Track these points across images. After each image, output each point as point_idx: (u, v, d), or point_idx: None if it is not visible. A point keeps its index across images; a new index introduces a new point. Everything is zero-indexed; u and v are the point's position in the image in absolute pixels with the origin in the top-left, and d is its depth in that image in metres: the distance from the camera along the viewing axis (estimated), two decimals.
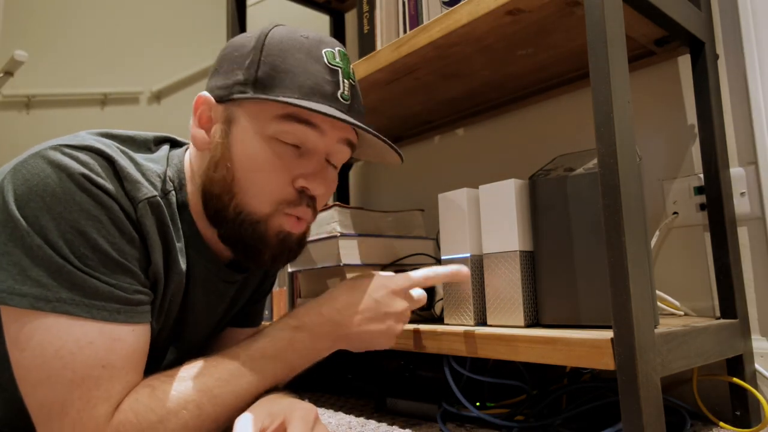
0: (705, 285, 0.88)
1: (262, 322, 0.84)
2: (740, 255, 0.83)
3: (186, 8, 2.55)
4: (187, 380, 0.55)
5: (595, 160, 0.67)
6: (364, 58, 1.00)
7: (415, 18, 0.99)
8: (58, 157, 0.52)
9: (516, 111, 1.18)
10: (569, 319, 0.70)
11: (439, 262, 0.87)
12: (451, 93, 1.11)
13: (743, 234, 0.85)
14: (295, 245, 0.64)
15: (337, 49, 0.62)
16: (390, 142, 0.63)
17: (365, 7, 1.10)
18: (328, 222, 1.00)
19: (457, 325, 0.79)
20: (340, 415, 0.93)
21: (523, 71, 1.01)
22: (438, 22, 0.85)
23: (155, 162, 0.61)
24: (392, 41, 0.95)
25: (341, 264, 0.96)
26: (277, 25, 0.62)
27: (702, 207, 0.89)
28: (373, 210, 1.06)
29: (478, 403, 0.86)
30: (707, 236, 0.88)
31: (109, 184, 0.53)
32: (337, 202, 1.02)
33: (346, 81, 0.61)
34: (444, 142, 1.36)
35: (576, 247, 0.70)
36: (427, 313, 0.94)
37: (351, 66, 0.63)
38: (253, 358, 0.59)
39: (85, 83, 2.52)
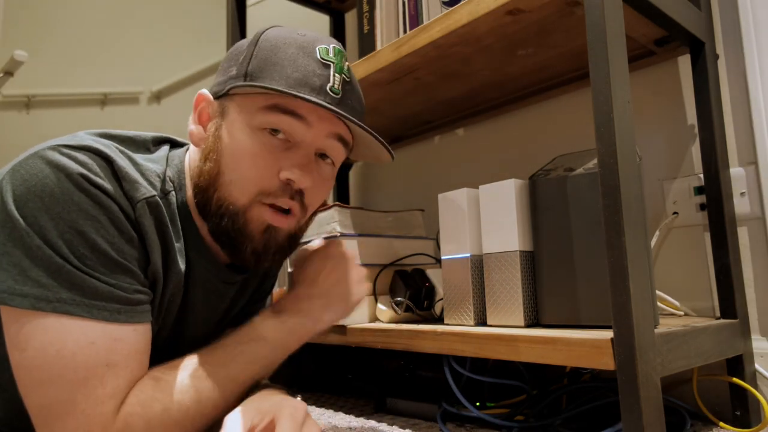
0: (705, 285, 0.88)
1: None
2: (740, 255, 0.83)
3: (186, 8, 2.55)
4: (186, 369, 0.57)
5: (595, 160, 0.67)
6: (364, 58, 1.00)
7: (415, 18, 0.99)
8: (57, 157, 0.52)
9: (516, 111, 1.18)
10: (569, 319, 0.70)
11: (439, 262, 0.87)
12: (451, 93, 1.11)
13: (743, 234, 0.85)
14: (283, 241, 0.62)
15: (332, 45, 0.61)
16: (379, 137, 0.61)
17: (365, 7, 1.10)
18: (328, 222, 1.00)
19: (457, 325, 0.79)
20: (340, 415, 0.93)
21: (523, 71, 1.01)
22: (438, 22, 0.85)
23: (155, 162, 0.61)
24: (392, 41, 0.95)
25: None
26: (276, 25, 0.62)
27: (702, 207, 0.89)
28: (373, 210, 1.06)
29: (478, 403, 0.86)
30: (707, 236, 0.88)
31: (107, 184, 0.53)
32: (337, 202, 1.02)
33: (337, 75, 0.60)
34: (444, 142, 1.36)
35: (576, 247, 0.70)
36: (427, 313, 0.94)
37: (347, 63, 0.62)
38: (243, 342, 0.61)
39: (85, 83, 2.52)
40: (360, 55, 1.07)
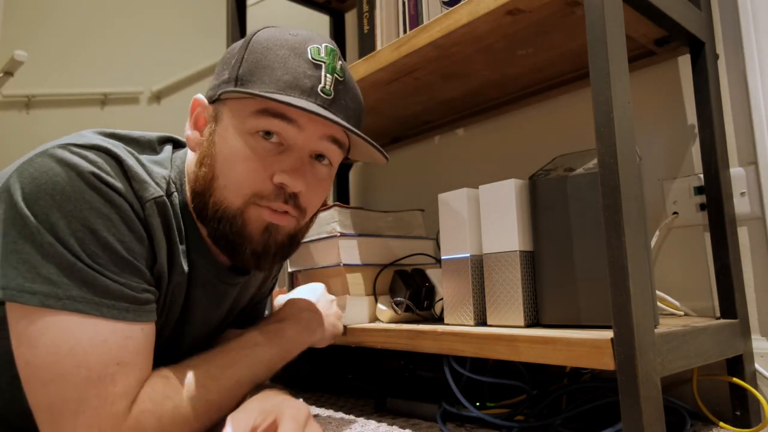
0: (705, 285, 0.88)
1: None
2: (740, 255, 0.83)
3: (186, 8, 2.55)
4: (194, 369, 0.58)
5: (595, 160, 0.67)
6: (364, 58, 1.00)
7: (415, 18, 0.99)
8: (67, 155, 0.52)
9: (516, 111, 1.18)
10: (569, 319, 0.70)
11: (439, 262, 0.87)
12: (451, 93, 1.11)
13: (743, 234, 0.85)
14: (283, 241, 0.62)
15: (324, 45, 0.60)
16: (369, 139, 0.60)
17: (365, 7, 1.10)
18: (328, 222, 1.00)
19: (457, 325, 0.79)
20: (340, 415, 0.93)
21: (523, 71, 1.01)
22: (438, 22, 0.85)
23: (159, 164, 0.62)
24: (392, 41, 0.95)
25: (341, 264, 0.96)
26: (269, 26, 0.62)
27: (702, 207, 0.89)
28: (373, 210, 1.06)
29: (478, 403, 0.86)
30: (707, 236, 0.88)
31: (118, 183, 0.54)
32: (337, 202, 1.02)
33: (329, 76, 0.59)
34: (444, 142, 1.36)
35: (576, 247, 0.70)
36: (427, 313, 0.94)
37: (340, 62, 0.61)
38: (245, 347, 0.63)
39: (85, 83, 2.52)
40: (360, 55, 1.07)
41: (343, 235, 0.97)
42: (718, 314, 0.81)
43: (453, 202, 0.82)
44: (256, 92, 0.54)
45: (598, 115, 0.60)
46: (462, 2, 0.81)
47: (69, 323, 0.49)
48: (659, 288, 0.91)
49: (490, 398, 0.90)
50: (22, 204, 0.50)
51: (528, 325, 0.73)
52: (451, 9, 0.83)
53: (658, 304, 0.85)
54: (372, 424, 0.85)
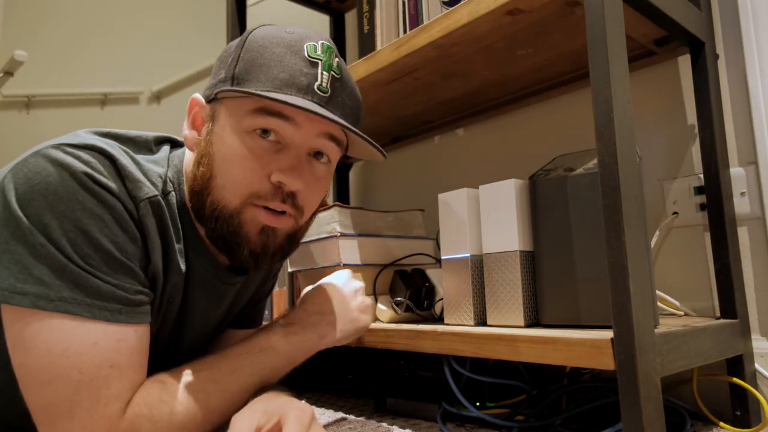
0: (705, 285, 0.88)
1: (263, 323, 0.84)
2: (740, 255, 0.83)
3: (186, 8, 2.55)
4: (194, 374, 0.57)
5: (595, 160, 0.67)
6: (364, 58, 1.00)
7: (415, 18, 0.99)
8: (60, 155, 0.52)
9: (516, 111, 1.18)
10: (569, 319, 0.70)
11: (439, 262, 0.87)
12: (451, 93, 1.11)
13: (743, 234, 0.85)
14: (282, 242, 0.62)
15: (320, 42, 0.60)
16: (366, 137, 0.60)
17: (365, 7, 1.10)
18: (328, 222, 1.00)
19: (457, 325, 0.79)
20: (340, 415, 0.93)
21: (523, 71, 1.01)
22: (438, 22, 0.85)
23: (156, 163, 0.61)
24: (392, 41, 0.95)
25: (341, 264, 0.96)
26: (266, 24, 0.62)
27: (702, 207, 0.89)
28: (373, 210, 1.06)
29: (478, 403, 0.86)
30: (707, 236, 0.88)
31: (111, 183, 0.53)
32: (337, 202, 1.02)
33: (326, 73, 0.58)
34: (444, 142, 1.36)
35: (576, 247, 0.70)
36: (427, 313, 0.94)
37: (336, 59, 0.61)
38: (251, 352, 0.62)
39: (85, 83, 2.52)
40: (360, 55, 1.07)
41: (343, 235, 0.97)
42: (718, 314, 0.81)
43: (453, 202, 0.82)
44: (252, 91, 0.54)
45: (598, 115, 0.60)
46: (462, 2, 0.81)
47: (61, 325, 0.49)
48: (659, 288, 0.91)
49: (490, 398, 0.90)
50: (15, 205, 0.50)
51: (528, 325, 0.73)
52: (451, 9, 0.83)
53: (658, 304, 0.85)
54: (372, 424, 0.85)
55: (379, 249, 1.01)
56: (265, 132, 0.57)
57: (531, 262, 0.75)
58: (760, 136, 0.83)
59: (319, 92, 0.58)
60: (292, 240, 0.63)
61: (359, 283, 0.80)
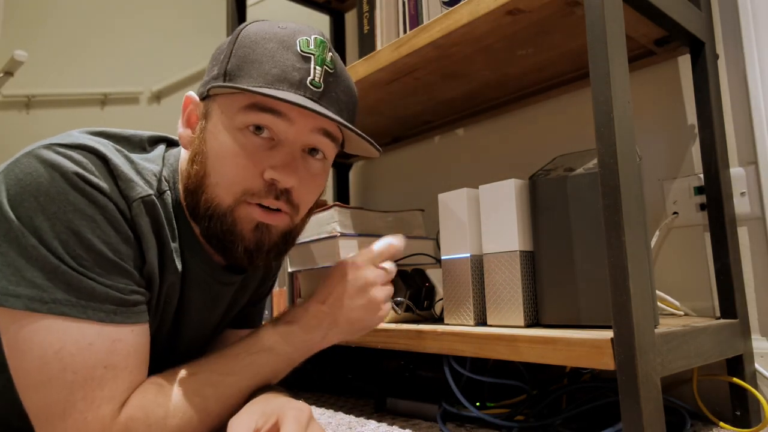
0: (705, 285, 0.88)
1: (263, 323, 0.84)
2: (740, 255, 0.83)
3: (186, 8, 2.55)
4: (191, 376, 0.56)
5: (595, 160, 0.67)
6: (364, 58, 1.00)
7: (415, 18, 0.99)
8: (51, 156, 0.51)
9: (516, 111, 1.18)
10: (569, 319, 0.70)
11: (439, 262, 0.87)
12: (451, 93, 1.11)
13: (743, 234, 0.85)
14: (277, 239, 0.60)
15: (313, 36, 0.58)
16: (359, 131, 0.59)
17: (365, 7, 1.10)
18: (328, 222, 1.00)
19: (457, 325, 0.79)
20: (340, 415, 0.93)
21: (523, 71, 1.01)
22: (438, 22, 0.85)
23: (151, 161, 0.61)
24: (392, 41, 0.95)
25: None
26: (258, 20, 0.61)
27: (702, 207, 0.89)
28: (373, 210, 1.06)
29: (478, 403, 0.86)
30: (707, 236, 0.88)
31: (103, 183, 0.53)
32: (337, 202, 1.02)
33: (318, 68, 0.57)
34: (444, 142, 1.36)
35: (576, 247, 0.70)
36: (427, 313, 0.94)
37: (330, 53, 0.59)
38: (250, 353, 0.61)
39: (85, 83, 2.52)
40: (360, 55, 1.07)
41: (343, 235, 0.97)
42: (718, 314, 0.81)
43: (453, 202, 0.82)
44: (243, 86, 0.54)
45: (598, 115, 0.60)
46: (462, 2, 0.81)
47: (55, 327, 0.49)
48: (659, 288, 0.91)
49: (490, 398, 0.90)
50: (6, 206, 0.50)
51: (528, 325, 0.73)
52: (451, 9, 0.83)
53: (658, 304, 0.85)
54: (372, 424, 0.85)
55: None
56: (258, 128, 0.56)
57: (531, 262, 0.75)
58: (760, 136, 0.83)
59: (311, 87, 0.57)
60: (288, 238, 0.63)
61: (377, 272, 0.68)
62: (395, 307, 0.92)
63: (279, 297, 1.26)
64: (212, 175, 0.57)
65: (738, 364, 0.77)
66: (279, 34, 0.58)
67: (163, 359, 0.59)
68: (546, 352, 0.62)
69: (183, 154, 0.63)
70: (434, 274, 0.95)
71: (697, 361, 0.67)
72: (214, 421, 0.56)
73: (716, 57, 0.86)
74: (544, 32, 0.85)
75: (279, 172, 0.56)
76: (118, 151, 0.57)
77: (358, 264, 0.68)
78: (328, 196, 1.58)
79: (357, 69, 1.00)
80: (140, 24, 2.54)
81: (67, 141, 0.54)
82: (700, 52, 0.83)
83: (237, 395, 0.58)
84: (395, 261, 1.01)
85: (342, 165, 1.58)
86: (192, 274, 0.63)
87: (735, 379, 0.77)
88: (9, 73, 2.16)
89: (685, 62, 0.93)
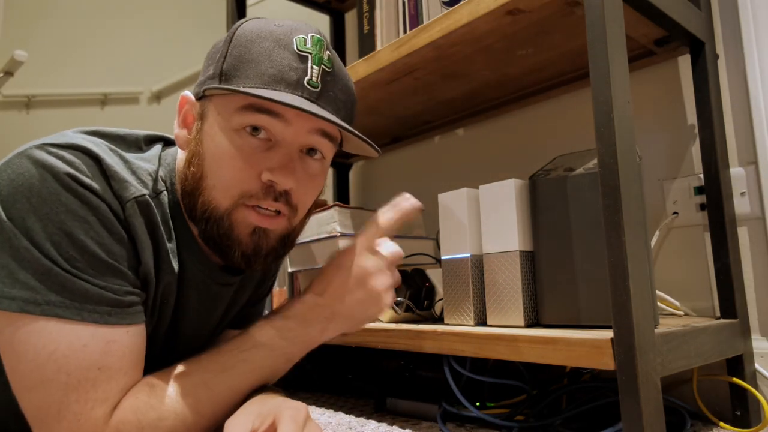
0: (705, 285, 0.88)
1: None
2: (740, 255, 0.83)
3: (186, 8, 2.55)
4: (184, 376, 0.56)
5: (595, 160, 0.67)
6: (364, 58, 1.00)
7: (415, 18, 0.99)
8: (43, 156, 0.51)
9: (516, 111, 1.18)
10: (569, 319, 0.70)
11: (439, 262, 0.87)
12: (451, 93, 1.11)
13: (743, 234, 0.85)
14: (274, 243, 0.60)
15: (310, 35, 0.58)
16: (357, 132, 0.58)
17: (365, 7, 1.10)
18: (328, 222, 1.00)
19: (457, 325, 0.79)
20: (340, 415, 0.93)
21: (523, 71, 1.01)
22: (438, 22, 0.85)
23: (147, 161, 0.60)
24: (392, 41, 0.95)
25: None
26: (254, 18, 0.60)
27: (702, 207, 0.89)
28: (373, 210, 1.06)
29: (478, 403, 0.86)
30: (707, 236, 0.88)
31: (95, 184, 0.52)
32: (337, 202, 1.02)
33: (315, 67, 0.56)
34: (444, 142, 1.36)
35: (576, 247, 0.70)
36: (427, 313, 0.94)
37: (327, 52, 0.58)
38: (244, 349, 0.59)
39: (85, 83, 2.52)
40: (360, 55, 1.07)
41: (343, 235, 0.97)
42: (718, 314, 0.81)
43: (453, 202, 0.82)
44: (239, 88, 0.53)
45: (598, 115, 0.60)
46: (462, 2, 0.81)
47: (49, 329, 0.49)
48: (659, 288, 0.91)
49: (490, 398, 0.90)
50: None
51: (528, 325, 0.73)
52: (451, 9, 0.83)
53: (658, 304, 0.85)
54: (372, 424, 0.85)
55: None
56: (255, 130, 0.56)
57: (531, 262, 0.75)
58: (760, 136, 0.83)
59: (308, 87, 0.56)
60: (286, 241, 0.62)
61: (376, 260, 0.64)
62: (395, 307, 0.92)
63: (279, 297, 1.26)
64: (209, 177, 0.57)
65: (738, 364, 0.77)
66: (275, 33, 0.57)
67: (161, 360, 0.59)
68: (546, 352, 0.62)
69: (180, 154, 0.63)
70: (434, 274, 0.95)
71: (697, 361, 0.67)
72: (209, 422, 0.56)
73: (716, 57, 0.86)
74: (544, 32, 0.85)
75: (276, 174, 0.56)
76: (112, 150, 0.56)
77: (355, 252, 0.64)
78: (328, 196, 1.58)
79: (357, 69, 1.00)
80: (140, 24, 2.54)
81: (60, 141, 0.53)
82: (700, 52, 0.83)
83: (231, 394, 0.57)
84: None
85: (342, 165, 1.58)
86: (189, 275, 0.62)
87: (735, 379, 0.77)
88: (9, 73, 2.16)
89: (685, 62, 0.93)
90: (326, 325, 0.63)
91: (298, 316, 0.62)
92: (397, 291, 0.93)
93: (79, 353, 0.49)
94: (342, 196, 1.57)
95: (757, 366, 0.80)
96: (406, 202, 0.69)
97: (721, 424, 0.78)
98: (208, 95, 0.58)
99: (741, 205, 0.85)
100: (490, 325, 0.76)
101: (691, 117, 0.92)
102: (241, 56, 0.56)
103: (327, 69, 0.58)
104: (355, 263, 0.63)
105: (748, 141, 0.86)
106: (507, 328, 0.71)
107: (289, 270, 1.14)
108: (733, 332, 0.75)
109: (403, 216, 0.69)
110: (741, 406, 0.77)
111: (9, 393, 0.52)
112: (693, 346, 0.66)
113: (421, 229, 1.12)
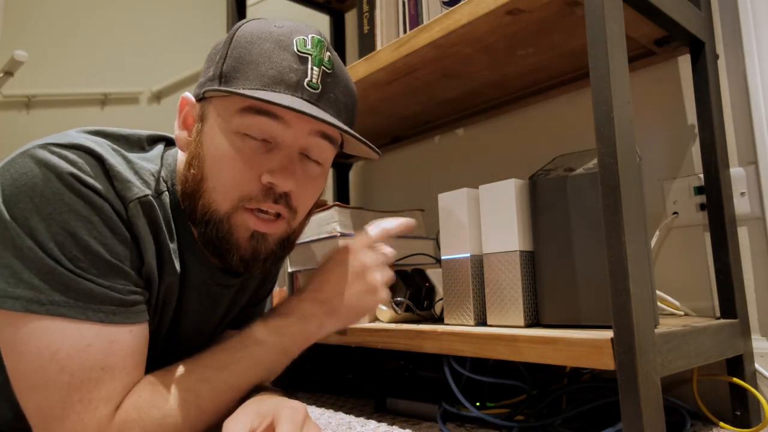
0: (705, 285, 0.88)
1: None
2: (740, 255, 0.83)
3: (186, 8, 2.55)
4: (185, 374, 0.56)
5: (595, 160, 0.67)
6: (364, 58, 1.00)
7: (415, 18, 0.99)
8: (47, 156, 0.51)
9: (516, 111, 1.18)
10: (569, 319, 0.70)
11: (438, 262, 0.87)
12: (451, 93, 1.11)
13: (743, 234, 0.85)
14: (273, 247, 0.60)
15: (310, 36, 0.57)
16: (356, 134, 0.57)
17: (365, 7, 1.10)
18: (328, 222, 1.00)
19: (457, 325, 0.79)
20: (340, 415, 0.93)
21: (523, 71, 1.01)
22: (438, 22, 0.85)
23: (149, 161, 0.60)
24: (392, 41, 0.95)
25: None
26: (254, 19, 0.60)
27: (702, 207, 0.89)
28: (373, 210, 1.06)
29: (478, 403, 0.86)
30: (707, 236, 0.88)
31: (98, 184, 0.52)
32: (337, 202, 1.02)
33: (316, 69, 0.56)
34: (444, 142, 1.36)
35: (576, 247, 0.70)
36: (427, 313, 0.94)
37: (328, 53, 0.58)
38: (244, 346, 0.60)
39: (85, 83, 2.52)
40: (360, 55, 1.07)
41: (343, 235, 0.97)
42: (718, 314, 0.81)
43: (453, 202, 0.82)
44: (238, 91, 0.53)
45: (598, 115, 0.60)
46: (462, 2, 0.81)
47: (53, 328, 0.49)
48: (659, 288, 0.91)
49: (490, 398, 0.90)
50: (2, 207, 0.49)
51: (528, 325, 0.73)
52: (451, 9, 0.83)
53: (658, 304, 0.85)
54: (372, 424, 0.85)
55: None
56: (254, 132, 0.56)
57: (531, 262, 0.75)
58: (760, 136, 0.83)
59: (309, 89, 0.56)
60: (285, 244, 0.62)
61: (374, 255, 0.67)
62: (395, 307, 0.92)
63: (279, 296, 1.26)
64: (209, 179, 0.57)
65: (738, 364, 0.77)
66: (275, 34, 0.57)
67: (161, 359, 0.59)
68: (546, 352, 0.62)
69: (180, 155, 0.63)
70: (434, 274, 0.95)
71: (697, 361, 0.67)
72: (210, 418, 0.56)
73: (716, 57, 0.86)
74: (544, 32, 0.85)
75: (276, 176, 0.56)
76: (114, 150, 0.56)
77: (353, 249, 0.67)
78: (328, 196, 1.58)
79: (357, 69, 1.00)
80: (140, 24, 2.54)
81: (63, 141, 0.53)
82: (700, 52, 0.83)
83: (232, 390, 0.57)
84: (396, 262, 1.01)
85: (342, 165, 1.58)
86: (190, 276, 0.62)
87: (735, 379, 0.77)
88: (9, 73, 2.16)
89: (685, 62, 0.93)
90: (324, 320, 0.64)
91: (296, 313, 0.63)
92: (397, 291, 0.93)
93: (82, 353, 0.49)
94: (342, 196, 1.57)
95: (757, 366, 0.80)
96: (393, 224, 0.72)
97: (721, 424, 0.78)
98: (208, 97, 0.58)
99: (741, 205, 0.85)
100: (490, 325, 0.76)
101: (691, 117, 0.92)
102: (241, 58, 0.56)
103: (327, 70, 0.58)
104: (355, 258, 0.66)
105: (748, 141, 0.86)
106: (507, 328, 0.71)
107: (289, 270, 1.14)
108: (733, 332, 0.76)
109: (400, 227, 0.72)
110: (741, 406, 0.77)
111: (9, 392, 0.52)
112: (693, 346, 0.66)
113: (421, 229, 1.12)
